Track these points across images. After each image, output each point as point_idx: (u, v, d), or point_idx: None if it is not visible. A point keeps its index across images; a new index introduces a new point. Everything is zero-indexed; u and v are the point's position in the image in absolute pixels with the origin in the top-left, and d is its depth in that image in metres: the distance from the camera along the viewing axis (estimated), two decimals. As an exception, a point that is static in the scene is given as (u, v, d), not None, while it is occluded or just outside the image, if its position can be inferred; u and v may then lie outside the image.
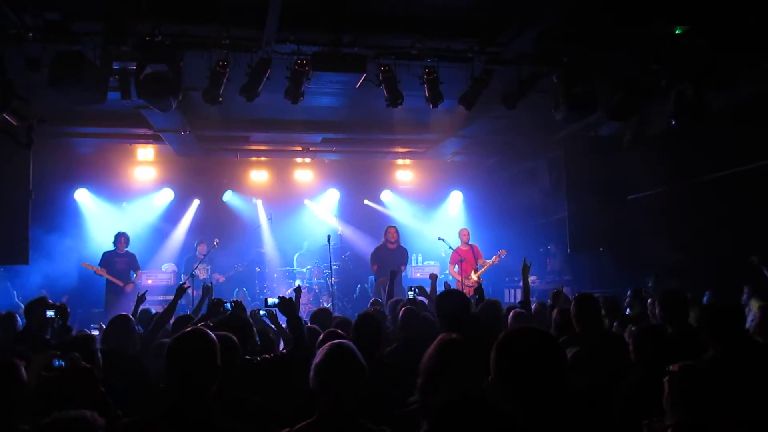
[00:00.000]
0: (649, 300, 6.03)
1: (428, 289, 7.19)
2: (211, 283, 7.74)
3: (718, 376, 3.10)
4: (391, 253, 10.78)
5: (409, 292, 6.07)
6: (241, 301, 5.52)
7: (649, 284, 8.93)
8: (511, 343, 2.22)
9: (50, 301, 5.70)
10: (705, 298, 7.38)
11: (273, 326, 5.79)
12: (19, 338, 5.31)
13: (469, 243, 11.29)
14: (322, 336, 3.94)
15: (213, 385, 2.75)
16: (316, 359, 2.80)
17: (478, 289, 6.69)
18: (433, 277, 7.51)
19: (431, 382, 2.86)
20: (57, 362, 3.08)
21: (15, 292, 10.81)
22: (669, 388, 2.96)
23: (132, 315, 6.05)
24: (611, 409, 3.57)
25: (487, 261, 11.10)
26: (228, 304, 5.50)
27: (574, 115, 8.13)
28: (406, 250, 11.14)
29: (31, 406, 2.86)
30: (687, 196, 9.82)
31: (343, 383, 2.72)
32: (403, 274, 11.48)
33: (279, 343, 5.62)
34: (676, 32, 7.14)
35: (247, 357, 4.02)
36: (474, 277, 10.87)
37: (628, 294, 7.66)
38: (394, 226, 11.22)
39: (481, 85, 7.66)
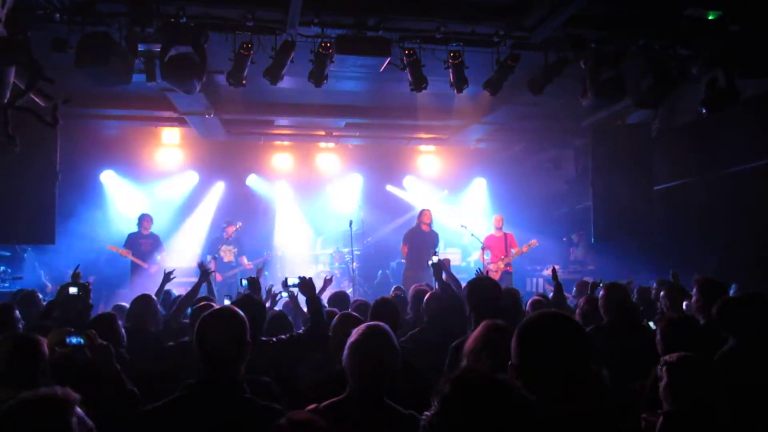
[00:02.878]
0: (662, 292, 5.91)
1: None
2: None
3: (726, 367, 3.05)
4: (424, 236, 10.69)
5: (434, 258, 5.97)
6: (255, 278, 5.52)
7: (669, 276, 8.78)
8: (533, 327, 2.17)
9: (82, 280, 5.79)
10: (732, 291, 7.23)
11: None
12: (44, 315, 5.40)
13: (503, 230, 11.21)
14: (336, 318, 3.93)
15: (243, 362, 2.75)
16: (351, 338, 2.83)
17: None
18: (447, 262, 7.45)
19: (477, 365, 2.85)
20: (70, 339, 3.11)
21: (42, 271, 11.00)
22: (666, 377, 2.95)
23: (156, 294, 6.13)
24: (635, 401, 3.52)
25: (518, 249, 11.06)
26: (245, 282, 5.55)
27: (602, 102, 8.00)
28: (437, 234, 11.04)
29: (47, 382, 2.89)
30: (716, 187, 9.62)
31: (377, 364, 2.74)
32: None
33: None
34: (709, 17, 6.96)
35: (263, 338, 4.03)
36: (501, 264, 10.84)
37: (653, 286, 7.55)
38: (428, 210, 11.07)
39: (506, 70, 7.57)
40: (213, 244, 11.80)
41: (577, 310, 5.53)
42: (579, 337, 2.16)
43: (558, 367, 2.07)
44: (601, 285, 6.27)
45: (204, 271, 6.31)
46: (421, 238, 10.68)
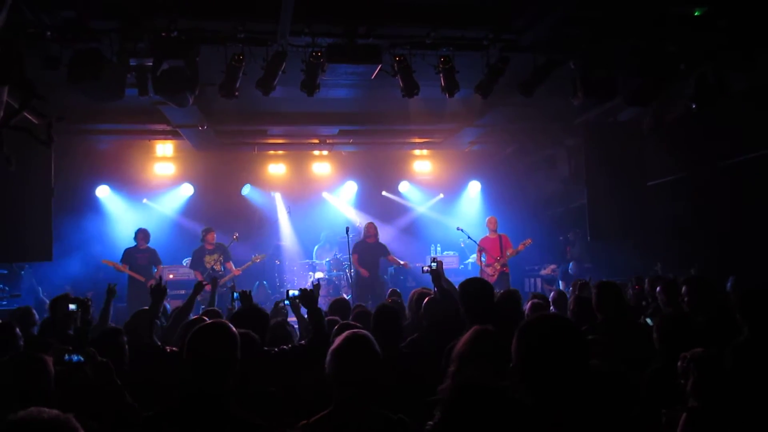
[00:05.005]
0: (658, 288, 5.94)
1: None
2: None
3: (747, 360, 3.06)
4: (370, 246, 11.35)
5: (432, 263, 5.98)
6: (248, 292, 5.51)
7: (657, 269, 8.83)
8: (531, 330, 2.21)
9: (72, 296, 5.79)
10: (728, 285, 7.27)
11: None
12: (44, 331, 5.42)
13: (498, 232, 11.32)
14: (337, 327, 3.95)
15: (231, 377, 2.77)
16: (332, 346, 2.84)
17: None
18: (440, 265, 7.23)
19: (463, 370, 2.87)
20: (68, 357, 3.11)
21: (40, 288, 10.99)
22: (696, 373, 2.95)
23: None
24: (632, 397, 3.54)
25: (513, 249, 11.13)
26: (236, 293, 5.53)
27: (592, 102, 8.06)
28: (384, 246, 11.56)
29: (52, 400, 2.90)
30: (709, 181, 9.68)
31: (359, 371, 2.75)
32: (410, 265, 12.09)
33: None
34: (695, 14, 7.02)
35: (265, 348, 4.05)
36: (497, 266, 10.90)
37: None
38: (371, 222, 11.70)
39: (497, 73, 7.60)
40: (196, 257, 11.16)
41: (568, 312, 5.56)
42: (576, 338, 2.21)
43: (557, 367, 2.11)
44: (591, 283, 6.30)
45: (197, 286, 6.17)
46: (367, 249, 11.31)
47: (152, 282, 10.50)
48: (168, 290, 6.76)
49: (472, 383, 1.79)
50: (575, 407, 2.05)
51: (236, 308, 5.59)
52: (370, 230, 11.53)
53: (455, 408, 1.73)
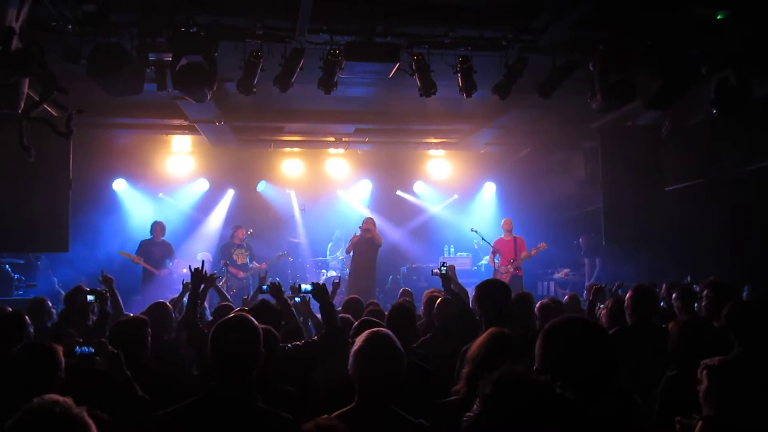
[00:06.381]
0: (674, 294, 5.87)
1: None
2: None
3: (747, 372, 3.02)
4: (364, 240, 11.18)
5: (442, 267, 5.97)
6: (278, 283, 5.53)
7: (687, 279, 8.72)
8: (560, 332, 2.19)
9: (86, 288, 5.83)
10: (744, 294, 7.18)
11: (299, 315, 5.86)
12: (62, 323, 5.47)
13: (513, 234, 11.26)
14: (356, 324, 3.95)
15: (255, 370, 2.77)
16: (355, 346, 2.81)
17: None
18: (452, 269, 7.18)
19: (480, 372, 2.85)
20: (79, 348, 3.12)
21: (55, 279, 11.09)
22: (707, 381, 2.91)
23: (177, 301, 6.21)
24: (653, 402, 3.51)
25: (527, 253, 11.10)
26: (265, 286, 5.58)
27: (611, 105, 7.98)
28: (373, 238, 11.29)
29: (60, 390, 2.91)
30: (728, 187, 9.56)
31: (382, 370, 2.72)
32: (423, 265, 12.29)
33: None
34: (718, 17, 6.94)
35: (279, 345, 4.06)
36: (510, 268, 10.87)
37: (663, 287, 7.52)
38: (369, 217, 11.60)
39: (515, 73, 7.56)
40: (225, 250, 11.77)
41: (604, 311, 5.52)
42: (604, 341, 2.18)
43: (582, 371, 2.08)
44: (606, 287, 6.20)
45: (210, 278, 6.08)
46: (361, 243, 11.15)
47: (165, 272, 10.67)
48: (189, 286, 6.86)
49: (513, 375, 1.78)
50: (602, 410, 2.03)
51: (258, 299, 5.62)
52: (366, 225, 11.34)
53: (496, 400, 1.72)
